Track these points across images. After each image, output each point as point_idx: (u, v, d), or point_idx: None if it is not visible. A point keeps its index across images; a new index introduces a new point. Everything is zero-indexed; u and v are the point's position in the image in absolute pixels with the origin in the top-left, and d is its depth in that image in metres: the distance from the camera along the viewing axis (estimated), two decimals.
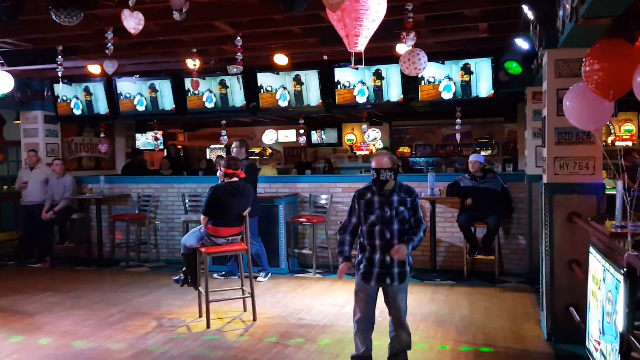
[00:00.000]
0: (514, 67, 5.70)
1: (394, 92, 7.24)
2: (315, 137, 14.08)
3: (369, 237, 3.69)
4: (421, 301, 5.84)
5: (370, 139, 12.33)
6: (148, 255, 8.32)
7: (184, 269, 5.50)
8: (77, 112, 8.61)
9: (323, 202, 7.68)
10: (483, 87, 6.93)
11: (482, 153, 9.88)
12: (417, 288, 6.36)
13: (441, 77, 7.05)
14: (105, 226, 8.45)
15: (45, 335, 4.92)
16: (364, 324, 3.79)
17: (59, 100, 8.64)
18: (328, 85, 7.43)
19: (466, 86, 6.99)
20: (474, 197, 6.82)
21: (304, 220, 7.39)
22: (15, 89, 7.17)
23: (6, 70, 6.76)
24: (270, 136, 14.52)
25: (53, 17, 4.67)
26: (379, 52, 6.50)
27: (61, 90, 8.37)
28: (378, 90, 7.28)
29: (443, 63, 7.00)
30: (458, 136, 7.82)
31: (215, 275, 6.93)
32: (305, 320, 5.26)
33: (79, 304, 5.93)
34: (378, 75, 7.24)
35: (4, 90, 6.73)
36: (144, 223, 8.33)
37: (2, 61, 6.73)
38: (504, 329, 4.95)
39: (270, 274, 6.97)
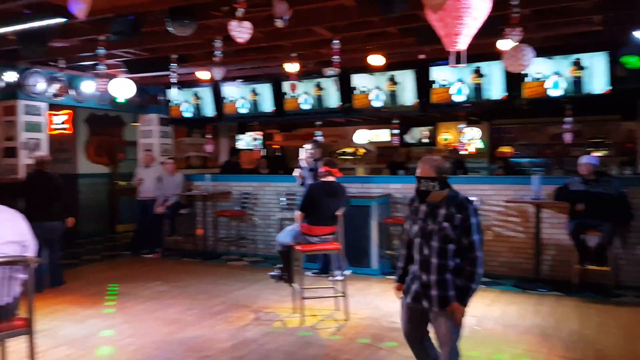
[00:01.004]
0: (632, 61, 5.27)
1: (495, 89, 7.01)
2: (408, 137, 13.88)
3: (414, 249, 3.25)
4: (524, 312, 5.57)
5: (467, 138, 11.98)
6: (247, 250, 8.74)
7: (279, 265, 5.71)
8: (187, 115, 9.25)
9: None
10: (597, 83, 6.48)
11: (595, 154, 9.17)
12: (519, 298, 6.10)
13: (549, 74, 6.71)
14: (210, 221, 8.99)
15: (154, 321, 5.35)
16: (408, 341, 3.37)
17: (171, 104, 9.34)
18: (424, 85, 7.35)
19: (577, 82, 6.59)
20: (586, 203, 6.22)
21: (396, 221, 7.35)
22: (135, 94, 7.89)
23: (129, 78, 7.47)
24: (362, 136, 14.57)
25: (169, 28, 5.07)
26: (479, 49, 6.28)
27: (174, 95, 9.04)
28: (477, 88, 7.09)
29: (551, 58, 6.65)
30: (568, 135, 7.28)
31: (308, 272, 7.12)
32: (397, 323, 5.20)
33: (185, 294, 6.37)
34: (478, 72, 7.05)
35: (128, 95, 7.43)
36: (243, 219, 8.76)
37: (126, 69, 7.44)
38: (618, 348, 4.57)
39: (348, 271, 7.04)
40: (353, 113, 8.24)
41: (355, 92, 7.84)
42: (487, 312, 5.53)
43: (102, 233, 10.51)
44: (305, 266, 6.86)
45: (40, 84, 7.54)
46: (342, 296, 5.38)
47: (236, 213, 8.77)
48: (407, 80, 7.47)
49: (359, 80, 7.79)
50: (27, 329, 2.97)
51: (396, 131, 8.48)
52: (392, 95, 7.61)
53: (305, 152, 7.12)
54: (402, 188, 7.80)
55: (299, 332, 5.00)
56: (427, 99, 7.39)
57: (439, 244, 3.06)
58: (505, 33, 5.07)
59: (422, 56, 6.84)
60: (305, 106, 8.24)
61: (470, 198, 3.20)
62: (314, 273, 7.17)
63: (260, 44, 6.53)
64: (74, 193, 9.83)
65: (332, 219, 5.45)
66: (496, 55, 5.82)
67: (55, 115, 9.93)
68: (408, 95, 7.52)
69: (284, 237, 5.61)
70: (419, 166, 3.17)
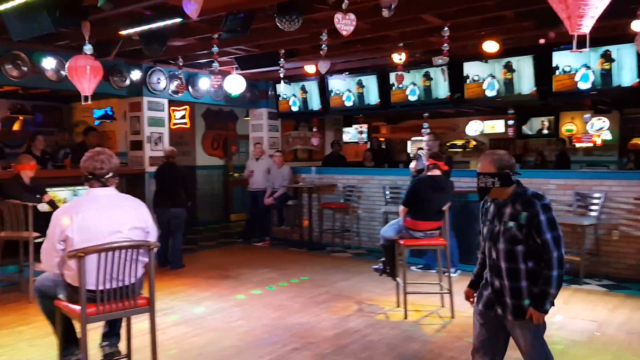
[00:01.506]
0: None
1: (626, 75, 6.33)
2: (527, 127, 13.04)
3: (485, 252, 3.00)
4: None
5: (594, 129, 11.04)
6: (351, 242, 8.80)
7: (383, 259, 5.68)
8: (295, 108, 9.48)
9: None
10: None
11: None
12: None
13: None
14: (315, 213, 9.17)
15: (263, 306, 5.57)
16: (477, 356, 3.04)
17: (280, 99, 9.63)
18: (544, 72, 6.84)
19: None
20: None
21: None
22: (245, 90, 8.23)
23: (239, 74, 7.81)
24: (474, 127, 13.99)
25: (277, 23, 5.21)
26: (608, 31, 5.75)
27: (282, 89, 9.29)
28: (606, 75, 6.44)
29: None
30: None
31: (412, 267, 7.01)
32: None
33: (291, 282, 6.57)
34: (607, 57, 6.41)
35: (239, 91, 7.77)
36: (347, 212, 8.81)
37: (237, 66, 7.79)
38: None
39: (460, 271, 6.80)
40: (464, 104, 7.93)
41: (467, 81, 7.52)
42: (609, 317, 5.11)
43: (217, 221, 11.15)
44: (410, 261, 6.77)
45: (162, 82, 8.13)
46: (448, 293, 5.23)
47: (341, 205, 8.85)
48: (524, 67, 7.01)
49: (471, 69, 7.46)
50: (148, 307, 3.22)
51: (512, 122, 8.00)
52: (508, 84, 7.19)
53: (424, 145, 6.97)
54: None
55: (402, 326, 4.95)
56: (547, 86, 6.88)
57: (506, 246, 2.81)
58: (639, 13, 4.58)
59: (542, 41, 6.37)
60: (413, 97, 8.07)
61: (541, 193, 2.87)
62: (418, 268, 7.05)
63: (365, 35, 6.48)
64: (193, 183, 10.51)
65: (438, 214, 5.29)
66: (628, 38, 5.26)
67: (176, 110, 10.69)
68: (525, 84, 7.06)
69: (388, 231, 5.56)
70: (479, 161, 2.96)
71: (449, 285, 5.24)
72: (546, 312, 2.75)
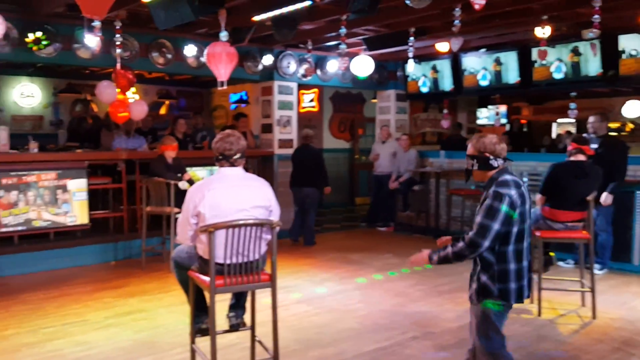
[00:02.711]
0: None
1: None
2: None
3: None
4: None
5: None
6: None
7: None
8: (424, 89, 9.15)
9: None
10: None
11: None
12: None
13: None
14: (443, 199, 8.83)
15: (383, 291, 5.51)
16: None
17: (409, 80, 9.36)
18: None
19: None
20: None
21: None
22: (373, 71, 8.11)
23: (368, 55, 7.71)
24: (633, 108, 12.41)
25: (406, 1, 5.01)
26: None
27: (411, 69, 9.02)
28: None
29: None
30: None
31: (561, 263, 6.45)
32: None
33: (413, 270, 6.39)
34: None
35: (366, 73, 7.68)
36: (479, 199, 8.33)
37: (365, 47, 7.69)
38: None
39: (606, 270, 6.10)
40: (619, 82, 7.03)
41: (622, 56, 6.65)
42: None
43: (342, 204, 11.26)
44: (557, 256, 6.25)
45: (291, 66, 8.32)
46: (590, 292, 4.72)
47: (471, 192, 8.41)
48: None
49: (628, 42, 6.56)
50: (270, 282, 3.31)
51: None
52: None
53: (589, 127, 6.33)
54: None
55: (535, 324, 4.60)
56: None
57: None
58: None
59: None
60: (558, 75, 7.33)
61: (511, 182, 2.76)
62: (567, 264, 6.48)
63: (504, 8, 6.02)
64: None
65: (582, 204, 4.77)
66: None
67: (305, 94, 10.92)
68: None
69: None
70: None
71: (591, 283, 4.74)
72: (431, 261, 2.89)
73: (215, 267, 3.11)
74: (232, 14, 6.10)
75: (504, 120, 12.14)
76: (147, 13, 5.57)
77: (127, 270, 6.30)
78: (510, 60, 7.81)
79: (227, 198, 3.19)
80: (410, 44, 7.00)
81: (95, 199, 6.79)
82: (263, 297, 3.67)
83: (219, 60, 5.68)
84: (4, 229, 5.87)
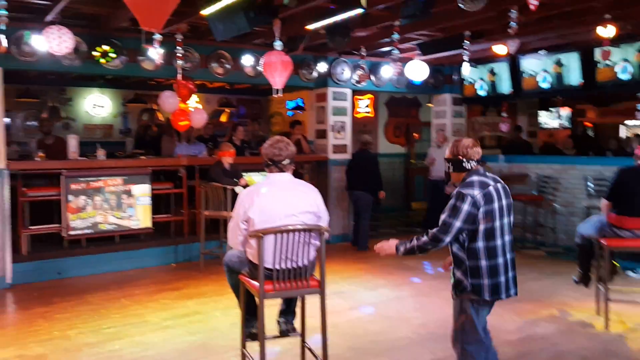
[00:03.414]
0: None
1: None
2: None
3: None
4: None
5: None
6: (545, 238, 8.02)
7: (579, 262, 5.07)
8: (482, 92, 8.93)
9: None
10: None
11: None
12: None
13: None
14: None
15: (440, 299, 5.35)
16: None
17: (465, 83, 9.17)
18: None
19: None
20: None
21: None
22: (429, 75, 8.01)
23: (422, 59, 7.63)
24: None
25: (460, 4, 4.94)
26: None
27: (466, 72, 8.82)
28: None
29: None
30: None
31: (629, 273, 6.12)
32: None
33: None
34: None
35: (421, 77, 7.61)
36: (541, 205, 8.05)
37: (419, 52, 7.61)
38: None
39: None
40: None
41: None
42: None
43: (398, 209, 11.17)
44: (624, 265, 5.94)
45: (345, 72, 8.35)
46: None
47: (533, 198, 8.12)
48: None
49: None
50: (319, 289, 3.33)
51: None
52: None
53: None
54: None
55: (601, 337, 4.36)
56: None
57: None
58: None
59: None
60: (624, 76, 6.96)
61: (477, 182, 2.93)
62: (636, 273, 6.15)
63: (564, 8, 5.79)
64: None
65: None
66: None
67: (360, 99, 10.93)
68: None
69: (586, 228, 4.91)
70: None
71: None
72: (397, 251, 3.08)
73: (264, 272, 3.17)
74: (286, 24, 6.22)
75: (566, 123, 11.64)
76: (207, 25, 5.78)
77: (186, 272, 6.52)
78: (572, 62, 7.49)
79: (276, 203, 3.24)
80: (465, 47, 6.86)
81: (157, 203, 7.09)
82: (315, 303, 3.69)
83: (274, 68, 5.81)
84: (72, 232, 6.23)
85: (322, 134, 8.46)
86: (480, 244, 2.90)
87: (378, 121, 11.04)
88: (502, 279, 2.93)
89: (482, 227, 2.88)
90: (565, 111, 11.40)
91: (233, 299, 3.73)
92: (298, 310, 3.66)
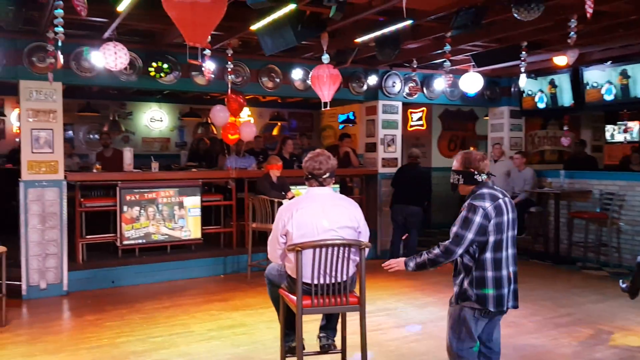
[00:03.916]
0: None
1: None
2: None
3: None
4: None
5: None
6: (608, 258, 7.55)
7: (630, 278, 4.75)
8: (541, 105, 8.59)
9: None
10: None
11: None
12: None
13: None
14: (563, 222, 8.15)
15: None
16: None
17: (524, 95, 8.85)
18: None
19: None
20: None
21: None
22: (484, 88, 7.78)
23: (476, 71, 7.42)
24: None
25: (514, 14, 4.76)
26: None
27: (526, 85, 8.52)
28: None
29: None
30: None
31: None
32: None
33: (528, 298, 5.90)
34: None
35: (475, 89, 7.40)
36: (605, 223, 7.59)
37: (473, 63, 7.42)
38: None
39: None
40: None
41: None
42: None
43: (450, 225, 10.84)
44: None
45: (396, 85, 8.24)
46: None
47: (596, 215, 7.69)
48: None
49: None
50: (359, 305, 3.24)
51: None
52: None
53: None
54: None
55: None
56: None
57: None
58: None
59: None
60: None
61: (488, 195, 2.96)
62: None
63: (629, 17, 5.48)
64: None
65: None
66: None
67: (413, 112, 10.78)
68: None
69: None
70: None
71: None
72: (407, 267, 3.11)
73: (302, 286, 3.12)
74: (335, 37, 6.23)
75: (636, 137, 10.97)
76: (257, 40, 5.86)
77: (233, 283, 6.57)
78: (638, 73, 7.07)
79: (315, 218, 3.20)
80: (522, 58, 6.62)
81: (207, 215, 7.21)
82: (357, 319, 3.60)
83: (323, 82, 5.81)
84: (126, 242, 6.43)
85: (371, 148, 8.37)
86: (488, 255, 2.94)
87: (431, 134, 10.82)
88: (505, 291, 2.97)
89: (491, 239, 2.92)
90: (634, 125, 10.76)
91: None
92: (339, 326, 3.59)
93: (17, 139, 8.89)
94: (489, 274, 2.93)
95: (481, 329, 3.06)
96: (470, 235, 2.90)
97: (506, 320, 5.06)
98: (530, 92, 8.72)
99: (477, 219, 2.89)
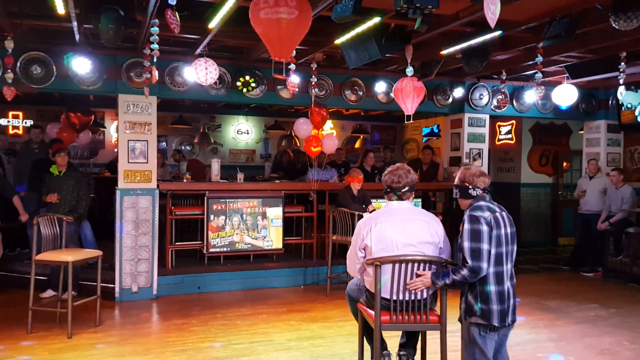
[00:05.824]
0: None
1: None
2: None
3: None
4: None
5: None
6: None
7: None
8: None
9: None
10: None
11: None
12: None
13: None
14: None
15: (584, 347, 4.82)
16: None
17: (623, 109, 8.26)
18: None
19: None
20: None
21: None
22: (579, 100, 7.34)
23: (571, 83, 7.03)
24: None
25: (612, 24, 4.49)
26: None
27: (625, 97, 7.96)
28: None
29: None
30: None
31: None
32: None
33: (625, 324, 5.50)
34: None
35: (569, 102, 7.01)
36: None
37: (567, 75, 7.03)
38: None
39: None
40: None
41: None
42: None
43: (541, 244, 10.29)
44: None
45: (484, 97, 7.98)
46: None
47: None
48: None
49: None
50: (439, 324, 3.14)
51: None
52: None
53: None
54: None
55: None
56: None
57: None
58: None
59: None
60: None
61: (486, 207, 3.01)
62: None
63: None
64: (516, 201, 9.98)
65: None
66: None
67: (502, 126, 10.38)
68: None
69: None
70: None
71: None
72: (434, 284, 3.07)
73: (381, 301, 3.08)
74: (420, 49, 6.15)
75: None
76: (341, 54, 5.93)
77: (313, 295, 6.61)
78: None
79: (394, 232, 3.15)
80: (621, 69, 6.19)
81: (289, 225, 7.34)
82: (438, 338, 3.50)
83: (406, 94, 5.75)
84: (212, 250, 6.68)
85: (456, 162, 8.14)
86: (491, 269, 2.95)
87: (521, 148, 10.35)
88: (506, 305, 3.00)
89: (493, 251, 2.94)
90: None
91: (356, 325, 3.69)
92: (419, 344, 3.50)
93: (115, 150, 9.54)
94: (492, 288, 2.95)
95: (492, 348, 3.04)
96: (485, 246, 2.92)
97: (599, 346, 4.78)
98: (629, 105, 8.14)
99: (483, 227, 2.93)
